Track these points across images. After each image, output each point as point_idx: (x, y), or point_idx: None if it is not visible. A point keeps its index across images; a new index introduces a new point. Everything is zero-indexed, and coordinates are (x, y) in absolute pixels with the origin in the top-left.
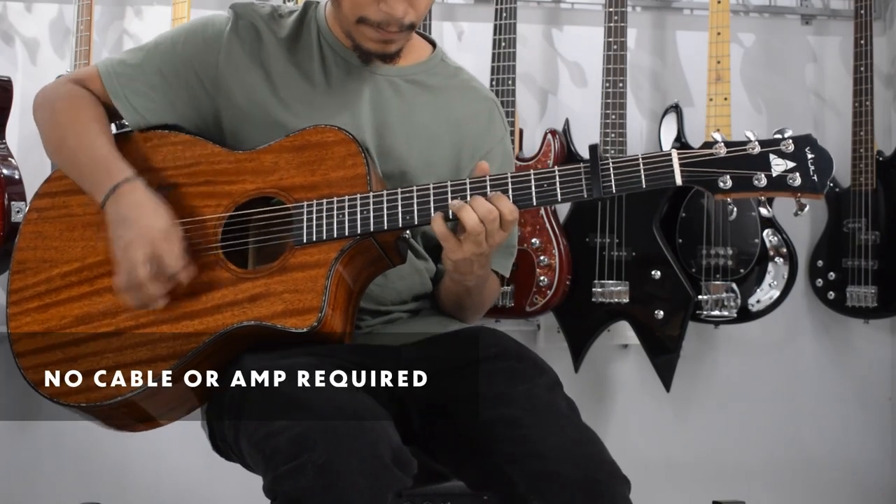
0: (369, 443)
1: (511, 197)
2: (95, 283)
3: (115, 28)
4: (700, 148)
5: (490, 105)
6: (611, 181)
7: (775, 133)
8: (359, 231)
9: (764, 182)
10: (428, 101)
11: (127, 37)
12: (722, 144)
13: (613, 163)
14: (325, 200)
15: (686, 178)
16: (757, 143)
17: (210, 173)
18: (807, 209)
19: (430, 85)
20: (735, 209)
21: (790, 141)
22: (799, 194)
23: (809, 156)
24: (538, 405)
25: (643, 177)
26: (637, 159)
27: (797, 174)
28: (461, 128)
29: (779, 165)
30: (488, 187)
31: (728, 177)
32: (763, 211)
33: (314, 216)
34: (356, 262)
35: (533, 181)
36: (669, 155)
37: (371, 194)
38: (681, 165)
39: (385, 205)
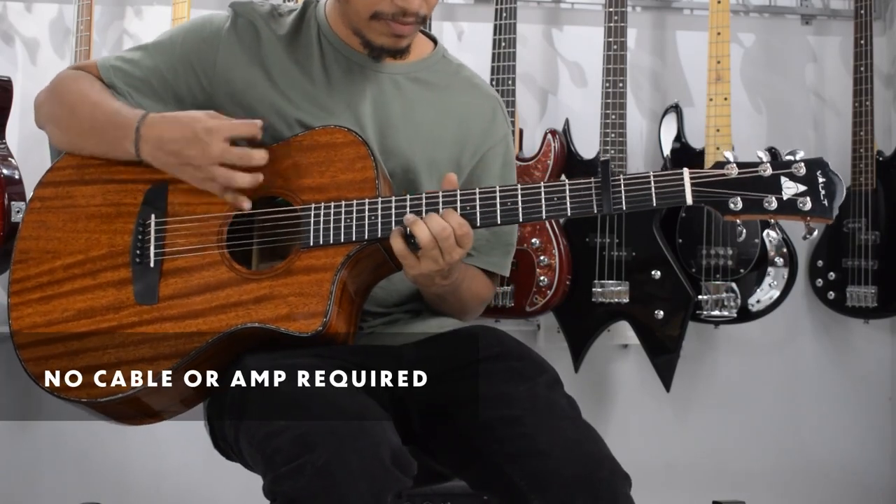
0: (370, 444)
1: (521, 210)
2: (98, 276)
3: (115, 28)
4: (711, 168)
5: (493, 103)
6: (621, 198)
7: (787, 154)
8: (366, 237)
9: (775, 205)
10: (430, 99)
11: (127, 37)
12: (734, 165)
13: (625, 180)
14: (332, 204)
15: (697, 199)
16: (769, 164)
17: None
18: (816, 233)
19: (432, 82)
20: (745, 231)
21: (802, 164)
22: (809, 218)
23: (821, 180)
24: (538, 404)
25: (654, 195)
26: (648, 177)
27: (808, 198)
28: (464, 126)
29: (790, 189)
30: (498, 197)
31: (739, 198)
32: (772, 233)
33: (321, 219)
34: (361, 267)
35: (543, 194)
36: (681, 174)
37: (380, 199)
38: (692, 185)
39: (393, 211)
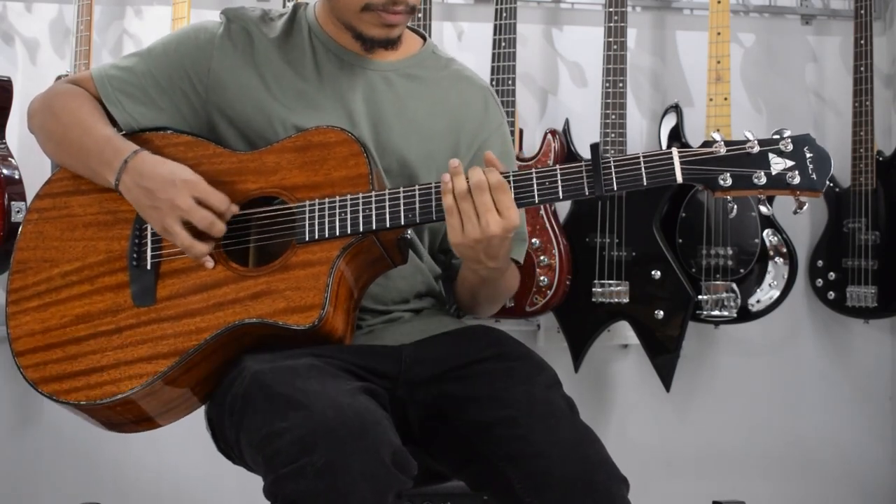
0: (370, 445)
1: (513, 195)
2: (96, 282)
3: (115, 28)
4: (700, 147)
5: (484, 93)
6: (612, 179)
7: (774, 133)
8: (361, 229)
9: (763, 180)
10: (422, 94)
11: (127, 37)
12: (722, 143)
13: (615, 161)
14: (327, 199)
15: (686, 176)
16: (756, 142)
17: (212, 174)
18: (806, 207)
19: (422, 77)
20: (735, 207)
21: (789, 140)
22: (798, 192)
23: (808, 155)
24: (536, 405)
25: (644, 174)
26: (638, 157)
27: (796, 172)
28: (457, 117)
29: (778, 164)
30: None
31: (728, 174)
32: (763, 209)
33: (316, 214)
34: (358, 261)
35: (535, 179)
36: (670, 153)
37: (373, 193)
38: (681, 163)
39: (387, 203)
